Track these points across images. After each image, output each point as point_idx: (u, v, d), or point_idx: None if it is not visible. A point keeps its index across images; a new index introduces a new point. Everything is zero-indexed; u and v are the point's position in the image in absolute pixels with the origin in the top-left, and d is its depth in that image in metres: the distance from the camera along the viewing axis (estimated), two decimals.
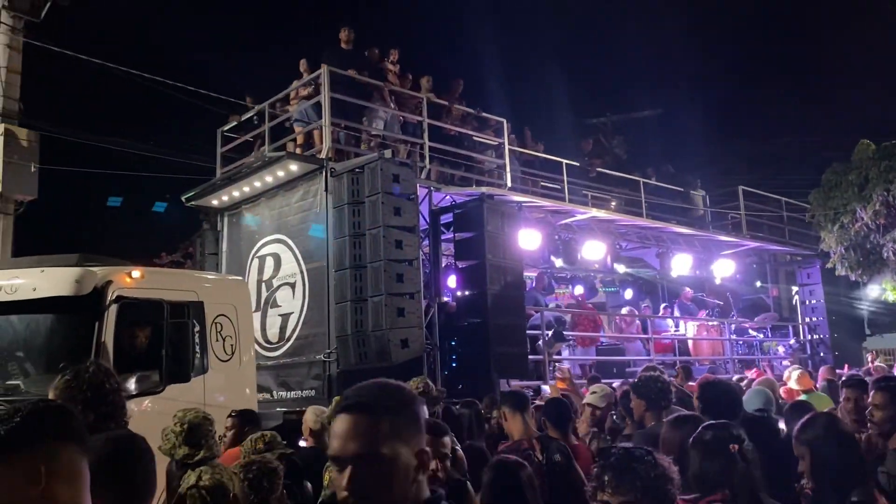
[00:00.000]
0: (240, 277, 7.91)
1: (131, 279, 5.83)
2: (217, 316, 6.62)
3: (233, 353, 6.73)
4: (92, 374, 2.84)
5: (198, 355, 6.32)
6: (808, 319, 15.52)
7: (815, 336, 15.10)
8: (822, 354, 14.98)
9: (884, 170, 13.06)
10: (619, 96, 24.23)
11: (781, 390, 6.91)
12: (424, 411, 1.66)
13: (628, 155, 15.83)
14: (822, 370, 9.31)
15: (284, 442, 4.27)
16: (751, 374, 9.93)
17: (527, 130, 12.75)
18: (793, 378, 7.15)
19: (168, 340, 6.00)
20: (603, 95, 24.16)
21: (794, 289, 15.88)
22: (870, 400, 3.76)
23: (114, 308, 5.66)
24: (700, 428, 2.82)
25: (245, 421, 5.25)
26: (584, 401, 5.48)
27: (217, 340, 6.57)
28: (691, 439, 2.76)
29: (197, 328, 6.33)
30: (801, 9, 25.02)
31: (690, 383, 8.03)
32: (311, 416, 5.41)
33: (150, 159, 11.82)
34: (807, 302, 15.63)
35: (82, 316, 5.62)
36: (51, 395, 2.72)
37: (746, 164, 18.68)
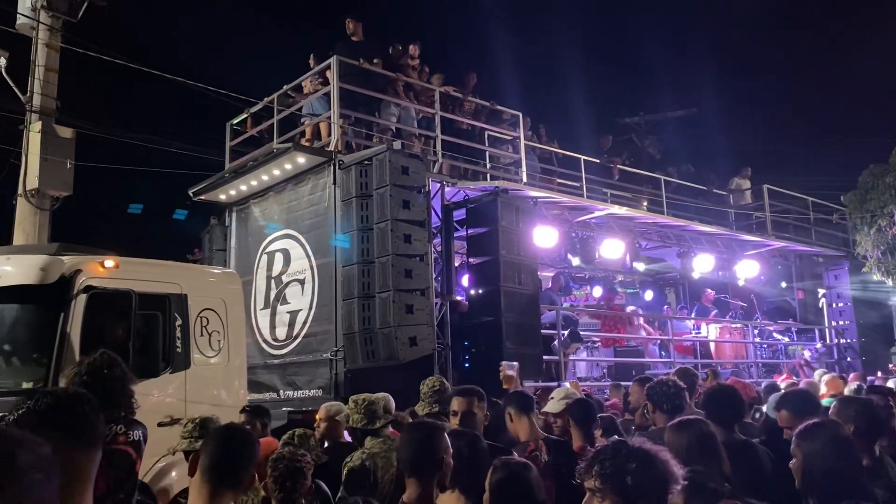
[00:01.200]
0: (231, 271, 7.62)
1: (104, 269, 5.58)
2: (203, 310, 6.36)
3: (220, 350, 6.47)
4: (92, 362, 3.05)
5: (178, 350, 6.06)
6: (834, 323, 15.01)
7: (843, 340, 14.58)
8: (849, 360, 14.47)
9: None
10: (651, 96, 23.92)
11: None
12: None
13: (661, 155, 15.41)
14: (852, 376, 8.94)
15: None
16: (780, 379, 9.53)
17: (542, 128, 12.43)
18: (822, 381, 7.06)
19: (136, 333, 5.71)
20: (634, 95, 23.90)
21: (821, 291, 15.35)
22: None
23: (82, 298, 5.42)
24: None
25: (257, 415, 5.29)
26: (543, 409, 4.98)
27: (202, 335, 6.32)
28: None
29: (178, 321, 6.07)
30: (837, 8, 24.50)
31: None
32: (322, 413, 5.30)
33: (184, 156, 11.76)
34: (833, 305, 15.12)
35: (48, 305, 5.40)
36: (61, 384, 3.10)
37: (776, 163, 18.22)
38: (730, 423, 3.85)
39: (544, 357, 9.16)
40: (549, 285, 12.09)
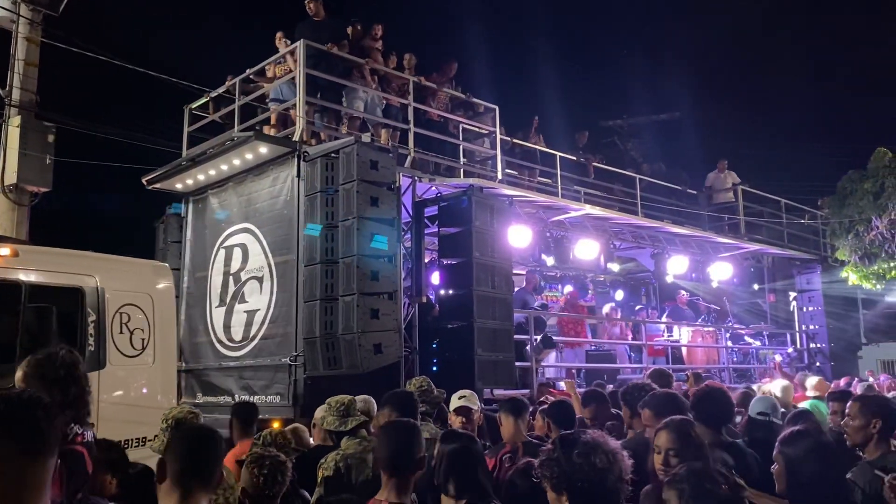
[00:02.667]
0: (162, 264, 6.96)
1: None
2: (123, 305, 5.81)
3: (144, 349, 5.92)
4: (55, 358, 2.86)
5: (91, 348, 5.50)
6: (805, 327, 14.90)
7: (814, 345, 14.47)
8: (818, 364, 14.36)
9: None
10: (628, 100, 23.85)
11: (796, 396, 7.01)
12: None
13: (643, 158, 15.14)
14: (844, 380, 9.12)
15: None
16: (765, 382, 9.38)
17: (535, 120, 12.02)
18: (809, 384, 7.21)
19: (25, 328, 5.17)
20: (612, 92, 23.82)
21: (792, 294, 15.23)
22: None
23: None
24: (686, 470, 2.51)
25: (243, 414, 5.16)
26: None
27: (121, 332, 5.78)
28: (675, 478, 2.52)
29: (92, 317, 5.52)
30: (816, 13, 24.55)
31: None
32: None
33: (164, 152, 11.14)
34: (805, 308, 15.00)
35: None
36: (19, 374, 2.79)
37: (753, 166, 18.13)
38: (718, 425, 3.89)
39: (516, 364, 8.76)
40: (524, 285, 11.68)
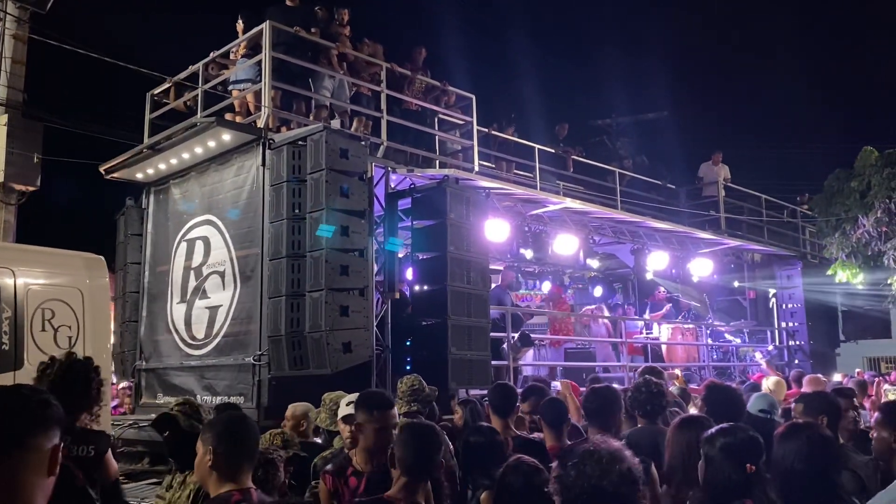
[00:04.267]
0: (96, 256, 6.45)
1: None
2: (47, 300, 5.39)
3: (71, 347, 5.46)
4: (62, 363, 3.17)
5: (4, 346, 5.07)
6: (784, 324, 14.74)
7: (793, 342, 14.31)
8: (797, 361, 14.21)
9: (886, 177, 12.52)
10: (623, 98, 23.84)
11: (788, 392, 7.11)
12: None
13: (633, 166, 14.90)
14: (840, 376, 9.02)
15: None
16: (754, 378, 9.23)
17: (513, 115, 11.70)
18: (804, 382, 7.26)
19: None
20: (608, 97, 23.77)
21: (772, 291, 15.06)
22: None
23: None
24: (737, 431, 2.77)
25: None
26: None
27: (44, 330, 5.35)
28: (719, 443, 2.73)
29: (6, 313, 5.12)
30: (803, 13, 24.65)
31: (693, 386, 8.17)
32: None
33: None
34: (785, 306, 14.84)
35: None
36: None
37: (740, 163, 18.03)
38: (731, 421, 3.70)
39: (493, 362, 8.43)
40: (500, 282, 11.35)
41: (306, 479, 4.00)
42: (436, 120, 9.91)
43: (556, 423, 4.23)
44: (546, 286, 14.15)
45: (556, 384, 8.22)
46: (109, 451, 3.35)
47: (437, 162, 9.25)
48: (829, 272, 13.32)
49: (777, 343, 14.28)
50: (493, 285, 11.53)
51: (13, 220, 9.40)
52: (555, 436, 4.18)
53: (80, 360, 3.25)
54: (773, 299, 14.99)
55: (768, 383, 6.81)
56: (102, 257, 6.42)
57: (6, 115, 9.20)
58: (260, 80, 7.82)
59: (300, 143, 7.12)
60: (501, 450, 3.35)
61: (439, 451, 2.91)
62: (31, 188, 9.44)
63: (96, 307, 5.73)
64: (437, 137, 9.66)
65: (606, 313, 13.20)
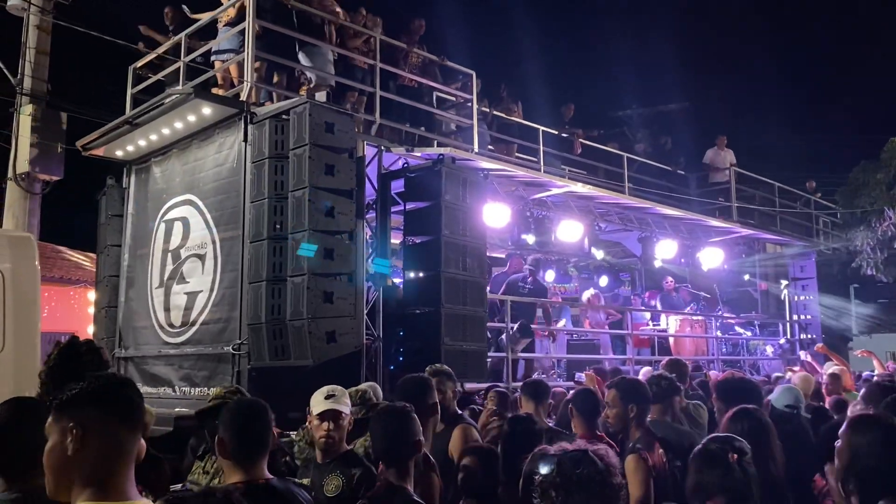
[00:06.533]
0: (23, 234, 5.94)
1: None
2: None
3: None
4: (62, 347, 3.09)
5: None
6: (796, 316, 14.19)
7: (806, 336, 13.76)
8: (810, 357, 13.65)
9: None
10: (644, 90, 23.46)
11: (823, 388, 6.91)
12: None
13: (653, 149, 14.34)
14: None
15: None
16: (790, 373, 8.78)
17: (503, 88, 11.09)
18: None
19: None
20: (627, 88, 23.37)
21: (784, 282, 14.50)
22: None
23: None
24: (704, 441, 2.84)
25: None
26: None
27: None
28: (693, 453, 2.80)
29: None
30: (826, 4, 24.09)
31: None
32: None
33: None
34: (797, 298, 14.29)
35: None
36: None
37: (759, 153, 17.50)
38: None
39: (491, 354, 7.96)
40: (506, 269, 10.85)
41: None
42: (434, 97, 9.40)
43: (589, 415, 4.20)
44: (550, 275, 13.61)
45: (582, 375, 7.80)
46: None
47: (436, 143, 8.74)
48: (855, 264, 12.78)
49: (789, 336, 13.73)
50: (496, 271, 11.09)
51: (37, 210, 9.53)
52: (587, 426, 4.14)
53: (81, 343, 3.14)
54: (786, 291, 14.44)
55: (795, 379, 6.47)
56: (31, 235, 5.93)
57: (30, 106, 9.32)
58: (244, 51, 7.30)
59: (284, 116, 6.62)
60: (541, 437, 3.37)
61: (414, 433, 2.89)
62: (54, 178, 9.56)
63: (22, 289, 5.24)
64: (434, 116, 9.15)
65: (602, 302, 12.68)
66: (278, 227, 6.46)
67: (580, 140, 11.94)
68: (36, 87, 9.50)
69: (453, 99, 9.70)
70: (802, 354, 9.33)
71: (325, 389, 3.70)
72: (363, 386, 4.65)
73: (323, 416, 3.56)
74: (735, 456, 2.62)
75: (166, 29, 8.90)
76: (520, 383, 7.90)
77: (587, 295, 12.38)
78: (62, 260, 17.76)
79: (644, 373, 8.69)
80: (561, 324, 12.25)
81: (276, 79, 7.84)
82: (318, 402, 3.61)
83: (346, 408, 3.65)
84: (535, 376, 7.89)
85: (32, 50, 9.50)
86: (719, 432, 3.27)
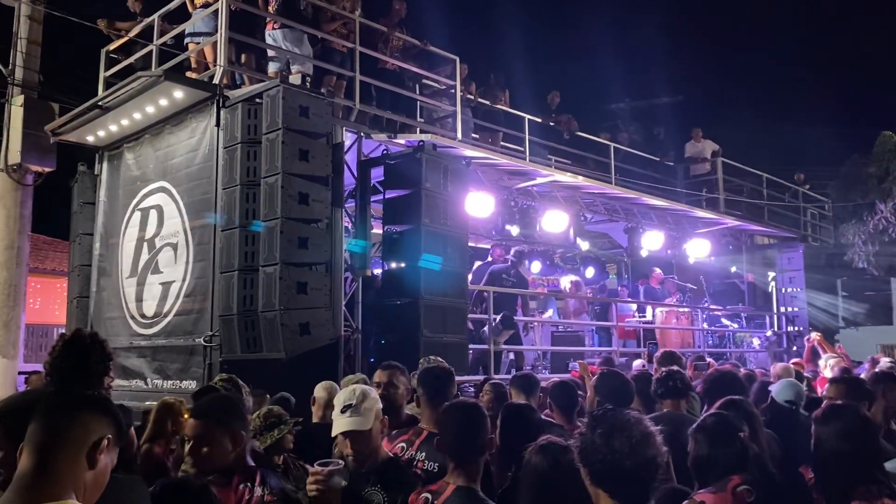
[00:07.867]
0: None
1: None
2: None
3: None
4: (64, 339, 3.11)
5: None
6: (783, 309, 14.09)
7: (793, 328, 13.65)
8: (796, 349, 13.58)
9: None
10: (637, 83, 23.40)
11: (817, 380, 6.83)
12: None
13: (646, 139, 14.17)
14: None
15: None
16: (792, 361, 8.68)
17: (492, 76, 10.90)
18: (828, 367, 6.93)
19: None
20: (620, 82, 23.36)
21: (771, 274, 14.40)
22: None
23: None
24: (704, 416, 3.00)
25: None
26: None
27: None
28: (694, 426, 2.95)
29: None
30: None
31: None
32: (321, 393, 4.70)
33: None
34: (784, 290, 14.18)
35: None
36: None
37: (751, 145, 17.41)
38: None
39: (472, 346, 7.78)
40: (490, 259, 10.66)
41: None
42: (416, 86, 9.18)
43: (566, 407, 4.23)
44: (536, 266, 13.45)
45: (575, 364, 7.66)
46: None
47: (418, 130, 8.53)
48: (846, 258, 12.73)
49: (776, 329, 13.64)
50: (478, 263, 10.90)
51: (29, 201, 9.48)
52: (566, 419, 4.15)
53: (86, 336, 3.14)
54: (773, 283, 14.33)
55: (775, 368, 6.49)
56: None
57: (22, 96, 9.21)
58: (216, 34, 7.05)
59: (257, 100, 6.39)
60: (540, 427, 3.34)
61: (485, 431, 2.80)
62: (46, 169, 9.45)
63: None
64: (418, 102, 8.94)
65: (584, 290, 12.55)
66: (250, 214, 6.25)
67: (567, 126, 11.74)
68: (27, 77, 9.41)
69: (436, 86, 9.48)
70: (813, 335, 9.14)
71: (341, 398, 2.99)
72: (356, 376, 4.84)
73: (345, 435, 2.93)
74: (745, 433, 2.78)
75: (133, 16, 8.61)
76: (505, 376, 7.78)
77: (565, 282, 12.24)
78: (54, 251, 17.46)
79: (636, 366, 8.58)
80: (547, 314, 12.12)
81: (243, 59, 7.58)
82: (336, 418, 2.96)
83: (369, 418, 2.94)
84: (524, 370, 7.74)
85: (24, 40, 9.43)
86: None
